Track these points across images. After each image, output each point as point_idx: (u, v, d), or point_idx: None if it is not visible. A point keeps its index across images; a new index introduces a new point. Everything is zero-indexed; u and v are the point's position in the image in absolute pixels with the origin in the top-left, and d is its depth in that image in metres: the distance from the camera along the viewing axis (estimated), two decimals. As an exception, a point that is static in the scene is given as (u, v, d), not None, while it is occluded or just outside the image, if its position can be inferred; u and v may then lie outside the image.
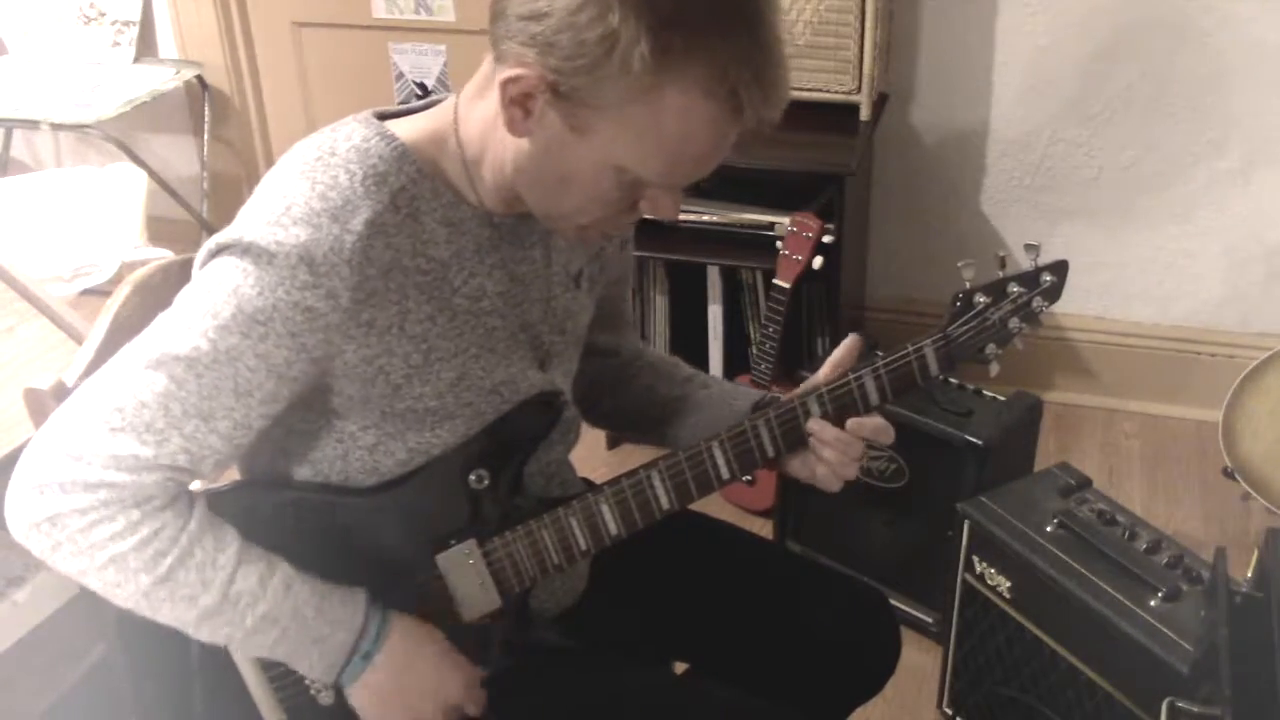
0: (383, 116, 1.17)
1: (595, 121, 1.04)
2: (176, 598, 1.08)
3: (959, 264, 1.26)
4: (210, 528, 1.10)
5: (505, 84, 1.04)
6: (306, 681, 1.21)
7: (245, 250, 1.06)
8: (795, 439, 1.26)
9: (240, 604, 1.10)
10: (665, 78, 1.00)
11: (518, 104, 1.05)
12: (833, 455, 1.25)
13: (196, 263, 1.12)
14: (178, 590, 1.08)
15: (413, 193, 1.12)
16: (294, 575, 1.14)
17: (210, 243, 1.10)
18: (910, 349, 1.24)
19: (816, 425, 1.24)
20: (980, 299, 1.25)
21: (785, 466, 1.30)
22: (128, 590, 1.07)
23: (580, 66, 1.00)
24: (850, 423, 1.24)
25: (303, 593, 1.13)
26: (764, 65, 1.03)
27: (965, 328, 1.25)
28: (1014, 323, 1.26)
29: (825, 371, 1.27)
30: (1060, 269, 1.27)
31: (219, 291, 1.06)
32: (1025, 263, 1.26)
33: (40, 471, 1.05)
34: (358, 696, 1.19)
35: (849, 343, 1.27)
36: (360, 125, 1.14)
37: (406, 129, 1.15)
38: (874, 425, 1.25)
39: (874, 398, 1.25)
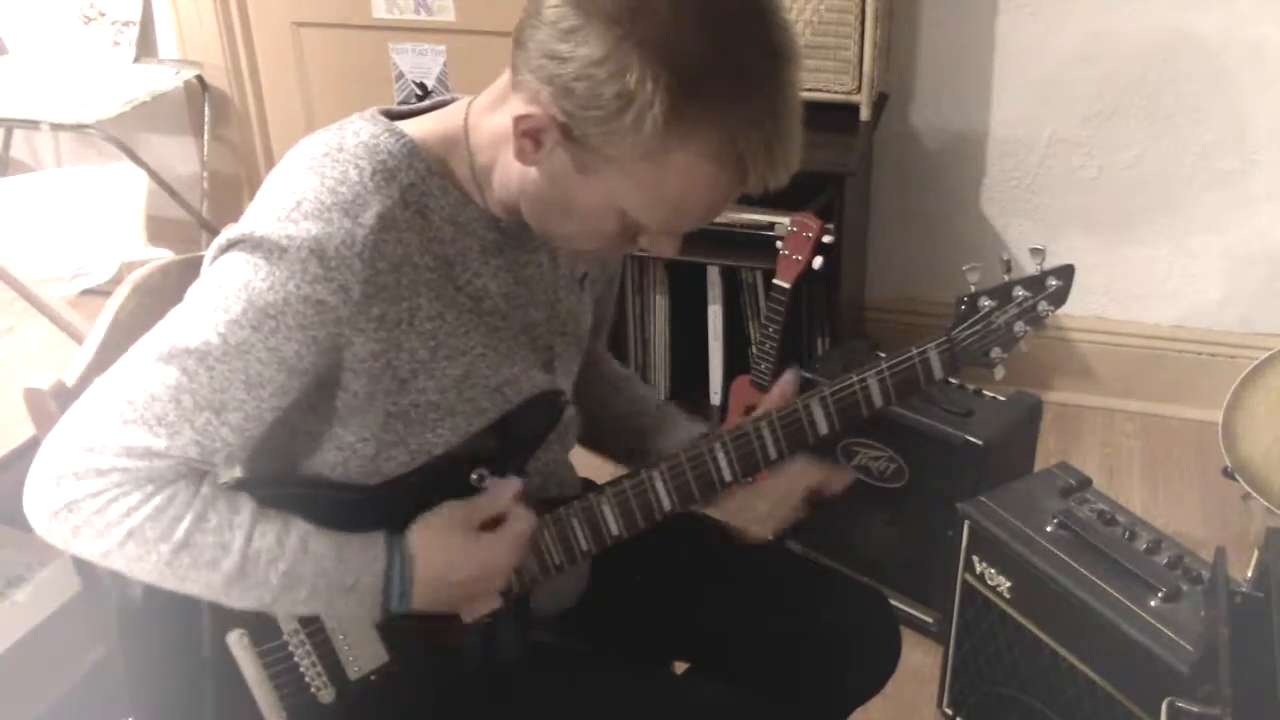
0: (389, 116, 1.17)
1: (602, 167, 1.04)
2: (199, 563, 1.08)
3: (964, 267, 1.26)
4: (223, 493, 1.11)
5: (518, 119, 1.05)
6: (307, 679, 1.22)
7: (256, 245, 1.06)
8: (798, 441, 1.26)
9: (261, 563, 1.10)
10: (675, 141, 1.01)
11: (529, 137, 1.05)
12: (766, 506, 1.30)
13: (207, 258, 1.12)
14: (199, 555, 1.08)
15: (421, 190, 1.12)
16: (310, 530, 1.13)
17: (221, 238, 1.10)
18: (914, 352, 1.24)
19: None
20: (985, 302, 1.25)
21: (715, 506, 1.32)
22: (150, 562, 1.07)
23: (593, 117, 1.01)
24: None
25: (320, 545, 1.13)
26: (774, 134, 1.03)
27: (970, 331, 1.25)
28: (1019, 326, 1.26)
29: (774, 401, 1.28)
30: (1066, 273, 1.27)
31: (230, 286, 1.06)
32: (1030, 266, 1.26)
33: (55, 463, 1.06)
34: (417, 609, 1.18)
35: (788, 379, 1.29)
36: (368, 122, 1.14)
37: (414, 128, 1.15)
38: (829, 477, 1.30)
39: (878, 400, 1.25)
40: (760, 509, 1.32)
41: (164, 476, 1.07)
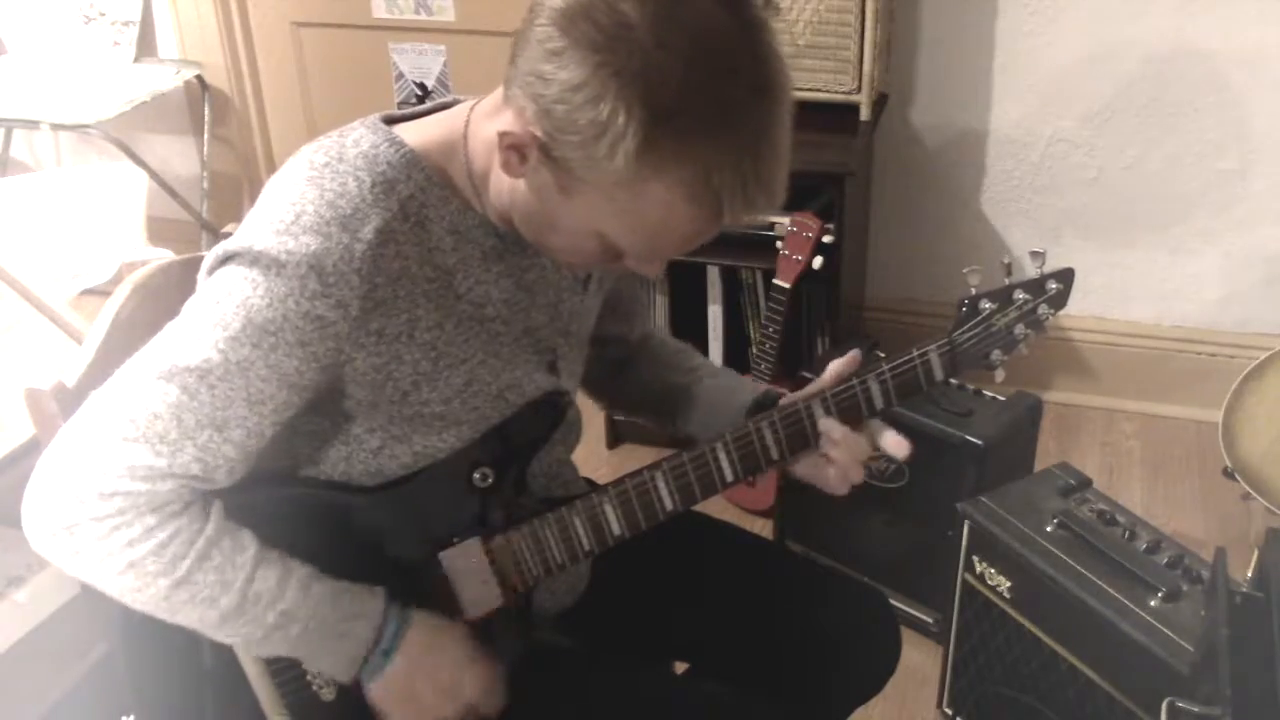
0: (389, 120, 1.17)
1: (582, 189, 1.04)
2: (196, 600, 1.08)
3: (965, 270, 1.26)
4: (227, 531, 1.11)
5: (502, 134, 1.04)
6: (309, 678, 1.22)
7: (254, 260, 1.05)
8: (799, 442, 1.26)
9: (260, 604, 1.10)
10: (648, 173, 1.00)
11: (514, 150, 1.05)
12: (841, 455, 1.25)
13: (203, 270, 1.12)
14: (197, 593, 1.08)
15: (421, 200, 1.12)
16: (312, 575, 1.14)
17: (218, 249, 1.09)
18: (915, 354, 1.24)
19: (826, 424, 1.25)
20: (986, 305, 1.25)
21: (792, 468, 1.30)
22: (148, 594, 1.08)
23: (570, 141, 1.00)
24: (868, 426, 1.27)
25: (321, 591, 1.14)
26: (752, 173, 1.02)
27: (971, 334, 1.25)
28: (1019, 329, 1.26)
29: (828, 379, 1.27)
30: (1066, 276, 1.27)
31: (228, 302, 1.06)
32: (1031, 269, 1.26)
33: (55, 482, 1.05)
34: (375, 693, 1.19)
35: (852, 355, 1.27)
36: (368, 131, 1.13)
37: (414, 135, 1.14)
38: (894, 440, 1.27)
39: (879, 402, 1.25)
40: (830, 475, 1.29)
41: (169, 505, 1.07)
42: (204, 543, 1.08)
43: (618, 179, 1.01)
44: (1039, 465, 2.17)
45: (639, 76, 0.97)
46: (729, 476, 1.26)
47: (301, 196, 1.07)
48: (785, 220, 2.37)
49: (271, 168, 3.23)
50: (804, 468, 1.30)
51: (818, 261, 2.34)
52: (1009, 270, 1.27)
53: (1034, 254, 1.27)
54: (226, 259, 1.08)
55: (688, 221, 1.04)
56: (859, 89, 2.46)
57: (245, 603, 1.09)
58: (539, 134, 1.02)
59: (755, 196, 1.03)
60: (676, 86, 0.97)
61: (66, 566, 1.08)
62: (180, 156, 3.34)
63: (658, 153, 0.99)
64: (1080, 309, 2.83)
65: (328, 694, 1.22)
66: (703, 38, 0.98)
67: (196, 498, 1.09)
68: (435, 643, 1.20)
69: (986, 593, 1.85)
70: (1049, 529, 1.78)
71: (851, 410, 1.25)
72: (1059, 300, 1.27)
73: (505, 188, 1.12)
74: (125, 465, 1.04)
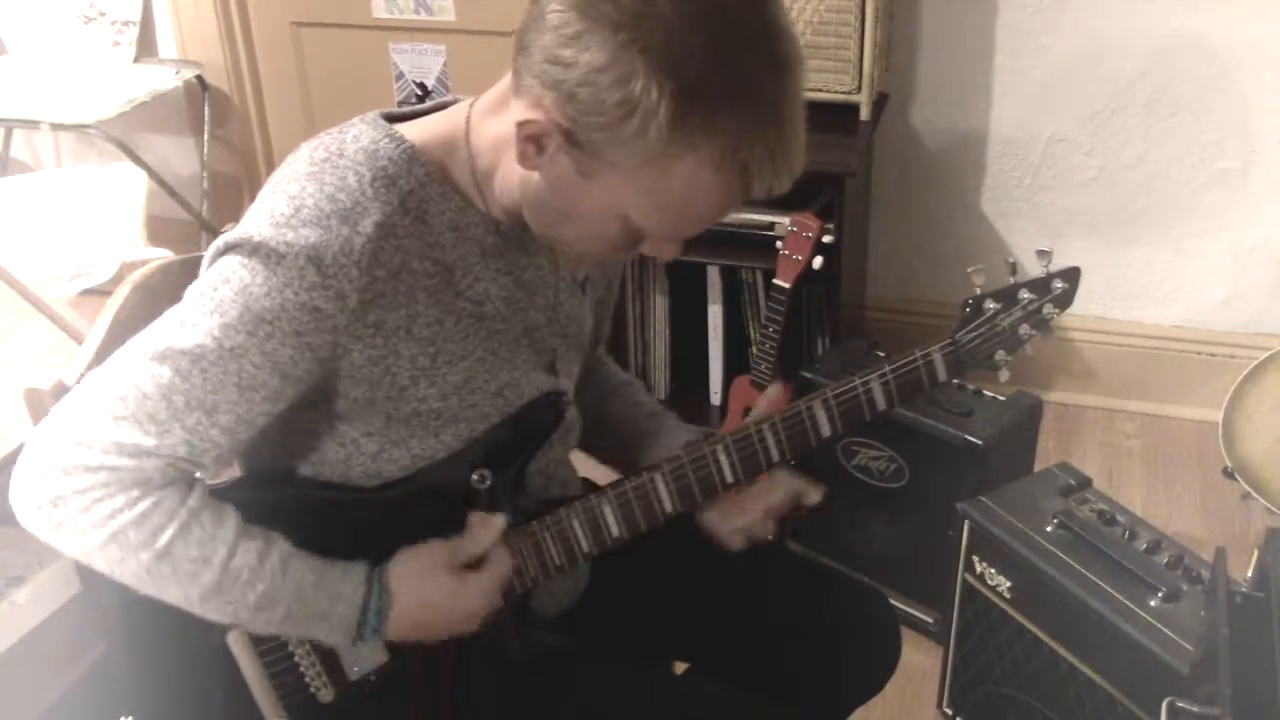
0: (390, 118, 1.17)
1: (604, 172, 1.04)
2: (179, 574, 1.09)
3: (969, 269, 1.26)
4: (209, 505, 1.11)
5: (520, 124, 1.04)
6: (307, 679, 1.22)
7: (254, 250, 1.06)
8: (800, 443, 1.26)
9: (240, 581, 1.10)
10: (678, 149, 1.00)
11: (531, 141, 1.05)
12: (756, 506, 1.30)
13: (205, 261, 1.13)
14: (179, 566, 1.08)
15: (421, 195, 1.12)
16: (292, 553, 1.14)
17: (219, 241, 1.10)
18: (919, 354, 1.24)
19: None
20: (990, 305, 1.24)
21: (700, 515, 1.33)
22: (130, 567, 1.08)
23: (596, 123, 1.01)
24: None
25: (300, 570, 1.14)
26: (778, 143, 1.03)
27: (975, 334, 1.25)
28: (1024, 329, 1.26)
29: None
30: (1072, 276, 1.26)
31: (226, 290, 1.06)
32: (1036, 269, 1.26)
33: (44, 456, 1.06)
34: (393, 638, 1.20)
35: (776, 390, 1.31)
36: (368, 126, 1.14)
37: (415, 131, 1.15)
38: (809, 489, 1.30)
39: (881, 403, 1.25)
40: (737, 523, 1.33)
41: (152, 480, 1.07)
42: (186, 513, 1.08)
43: (647, 157, 1.01)
44: (1039, 465, 2.17)
45: (665, 53, 0.97)
46: (729, 479, 1.26)
47: (301, 190, 1.08)
48: (785, 220, 2.37)
49: (271, 168, 3.21)
50: (714, 516, 1.32)
51: (818, 261, 2.34)
52: (1014, 270, 1.27)
53: (1040, 253, 1.27)
54: (227, 249, 1.09)
55: (715, 195, 1.05)
56: (859, 89, 2.46)
57: (225, 579, 1.09)
58: (562, 121, 1.02)
59: (781, 167, 1.04)
60: (701, 60, 0.98)
61: (51, 540, 1.08)
62: (180, 156, 3.34)
63: (687, 128, 0.99)
64: (1080, 309, 2.80)
65: (326, 694, 1.22)
66: (719, 13, 0.99)
67: (181, 476, 1.10)
68: (421, 584, 1.19)
69: (986, 593, 1.85)
70: (1049, 529, 1.78)
71: (854, 411, 1.25)
72: (1065, 300, 1.26)
73: (515, 182, 1.12)
74: (113, 442, 1.05)
